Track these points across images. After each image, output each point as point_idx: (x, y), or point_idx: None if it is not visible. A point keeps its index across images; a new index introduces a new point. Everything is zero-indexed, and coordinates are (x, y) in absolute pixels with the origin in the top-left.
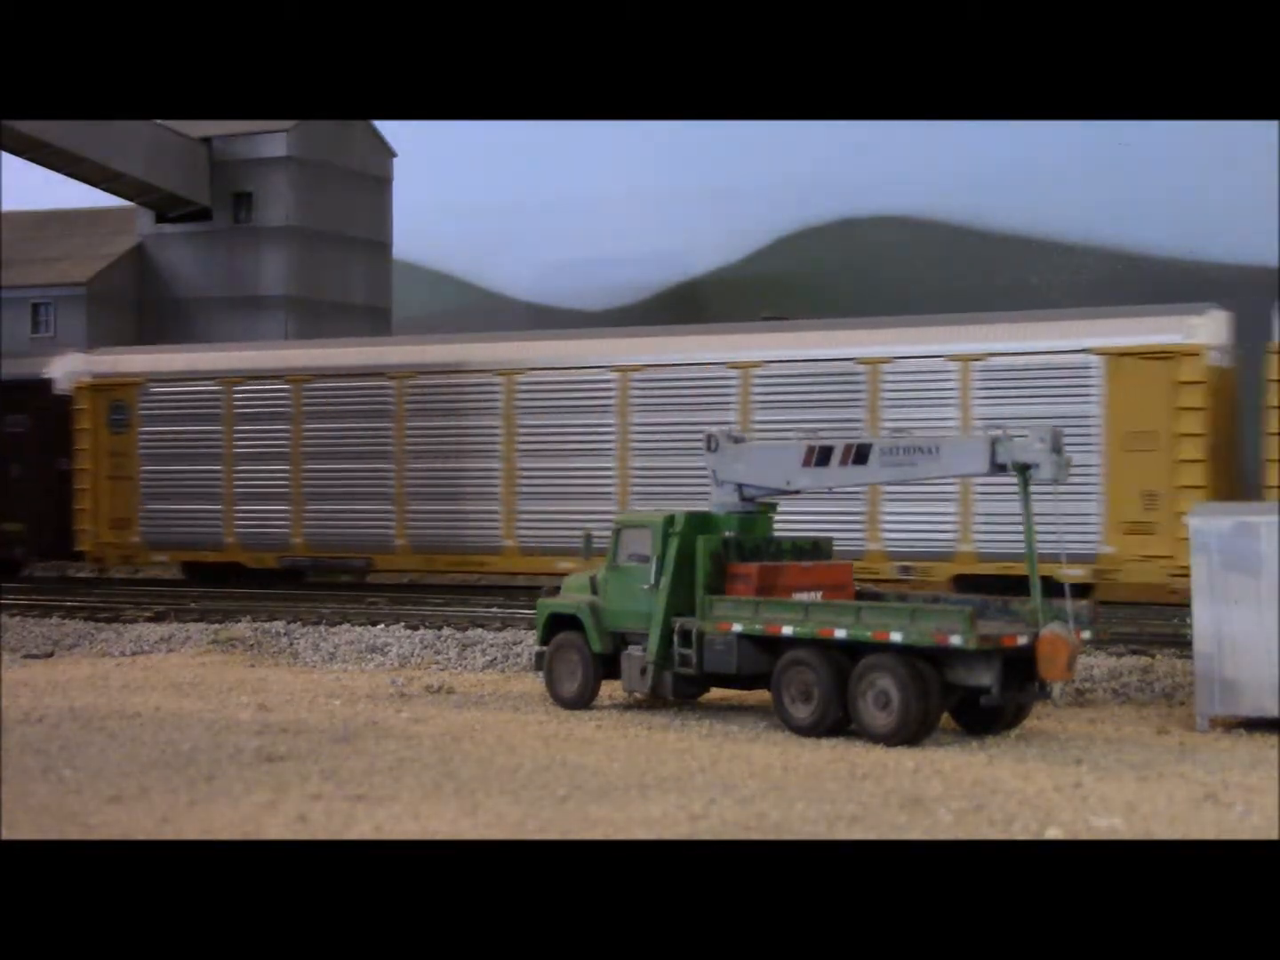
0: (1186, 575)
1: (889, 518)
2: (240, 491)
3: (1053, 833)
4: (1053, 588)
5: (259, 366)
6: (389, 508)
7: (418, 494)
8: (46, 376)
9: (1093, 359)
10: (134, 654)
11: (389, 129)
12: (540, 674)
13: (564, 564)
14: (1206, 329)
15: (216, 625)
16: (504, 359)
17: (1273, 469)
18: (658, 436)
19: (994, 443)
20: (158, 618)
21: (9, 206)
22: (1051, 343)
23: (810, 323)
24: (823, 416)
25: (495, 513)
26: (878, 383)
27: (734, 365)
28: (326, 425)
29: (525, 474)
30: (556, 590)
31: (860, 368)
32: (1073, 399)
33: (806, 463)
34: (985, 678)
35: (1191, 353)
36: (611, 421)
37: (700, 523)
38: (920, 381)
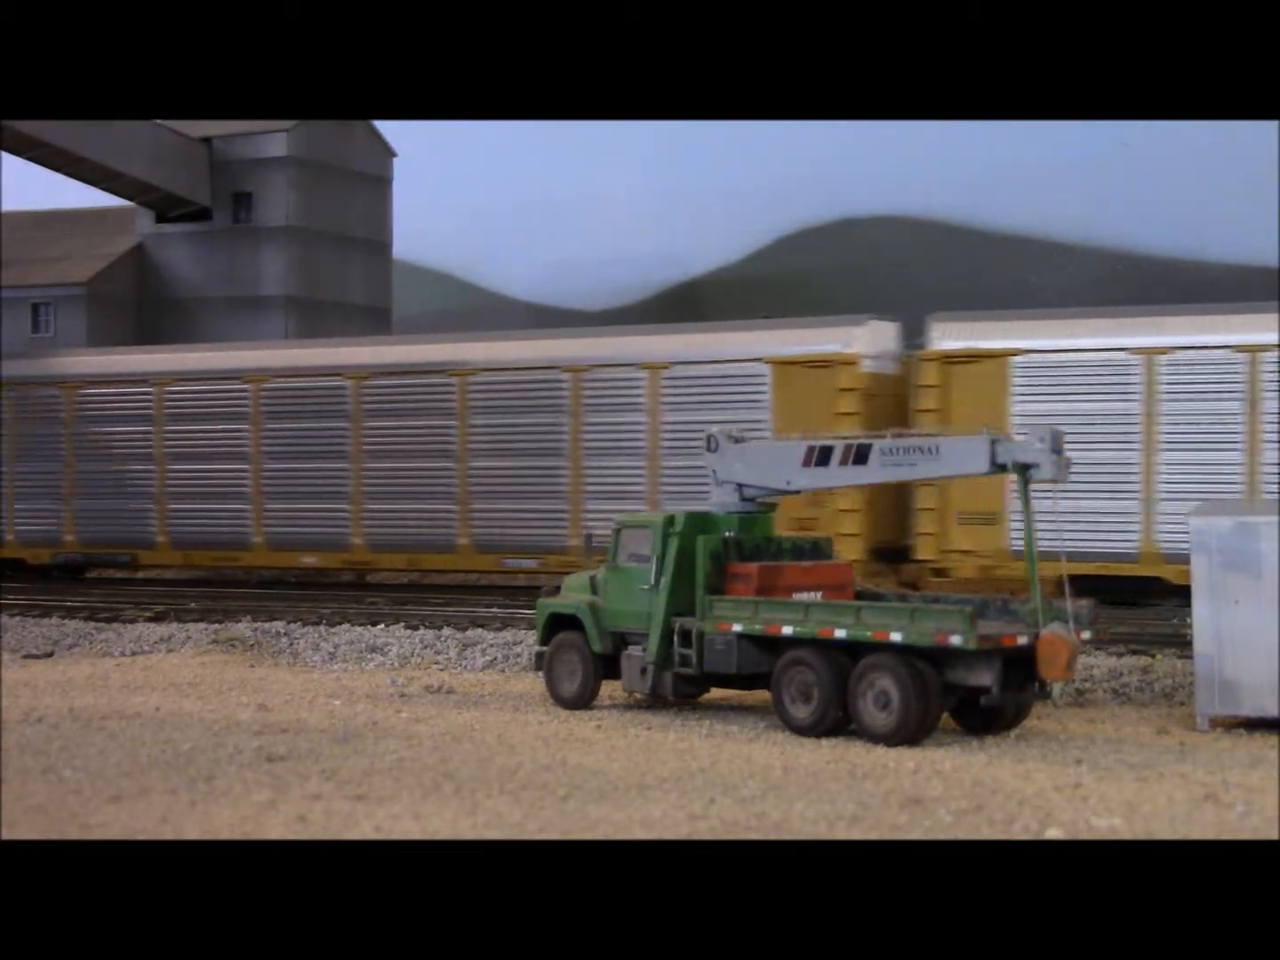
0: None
1: None
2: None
3: (1053, 833)
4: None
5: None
6: (151, 506)
7: (179, 494)
8: None
9: (763, 368)
10: (134, 654)
11: (389, 129)
12: (540, 674)
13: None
14: (864, 339)
15: (216, 625)
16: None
17: None
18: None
19: (994, 443)
20: (158, 618)
21: (9, 206)
22: (730, 351)
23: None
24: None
25: (247, 511)
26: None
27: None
28: (95, 428)
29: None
30: (556, 590)
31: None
32: (749, 405)
33: (807, 463)
34: (985, 678)
35: (848, 361)
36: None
37: (700, 523)
38: (615, 389)
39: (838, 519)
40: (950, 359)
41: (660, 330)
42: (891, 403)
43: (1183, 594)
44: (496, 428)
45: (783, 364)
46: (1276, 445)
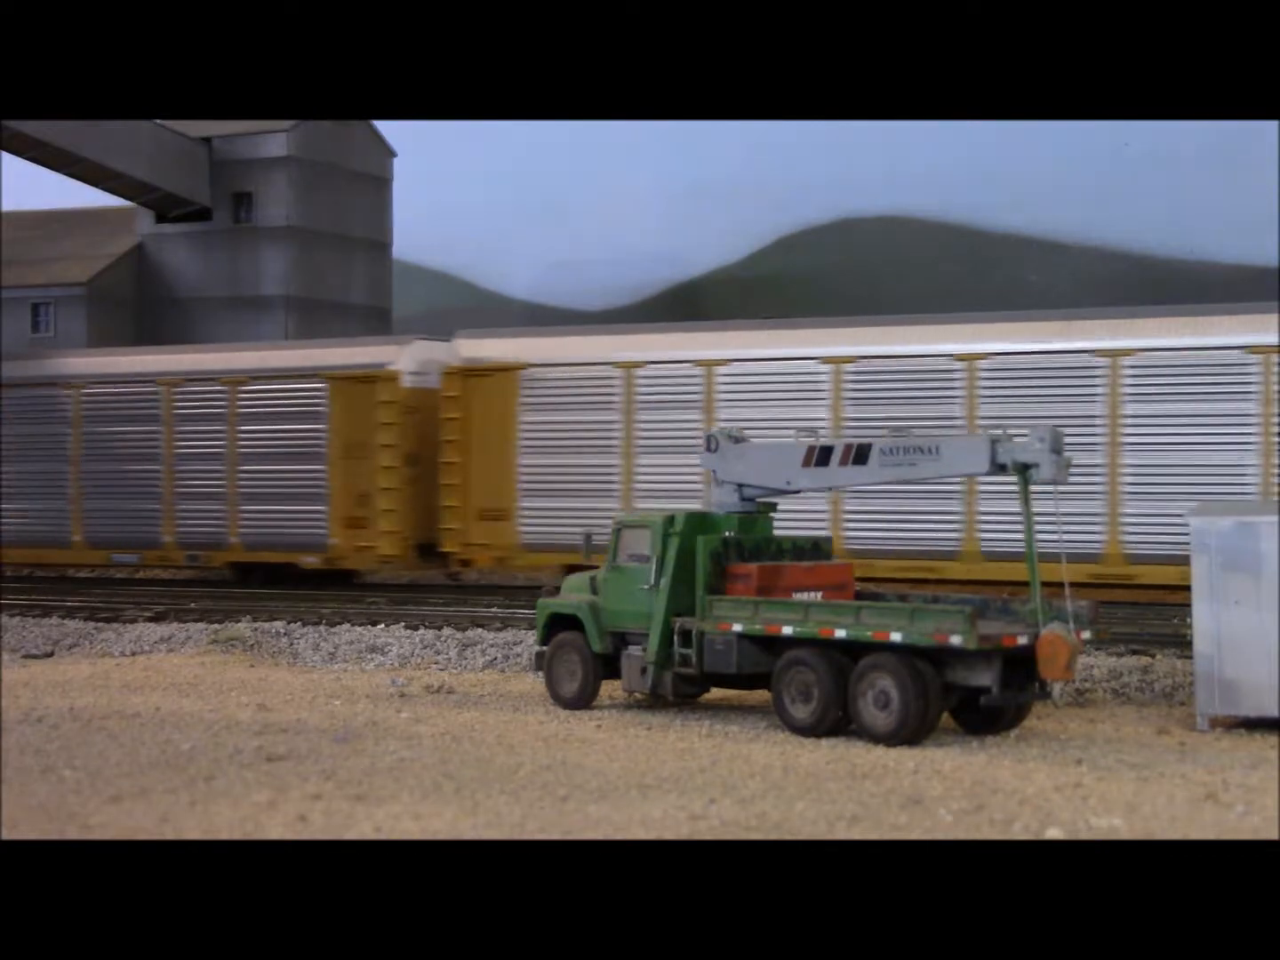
0: (393, 561)
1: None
2: None
3: (1053, 833)
4: None
5: None
6: None
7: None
8: None
9: (321, 382)
10: (134, 654)
11: (389, 129)
12: (540, 674)
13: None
14: (408, 356)
15: (216, 625)
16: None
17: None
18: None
19: (994, 443)
20: (158, 618)
21: (9, 206)
22: (292, 367)
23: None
24: None
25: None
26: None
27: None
28: None
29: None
30: (556, 590)
31: None
32: (311, 417)
33: (807, 463)
34: (985, 678)
35: (389, 377)
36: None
37: (700, 523)
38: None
39: (381, 518)
40: (469, 372)
41: (238, 348)
42: (434, 415)
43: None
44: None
45: (338, 379)
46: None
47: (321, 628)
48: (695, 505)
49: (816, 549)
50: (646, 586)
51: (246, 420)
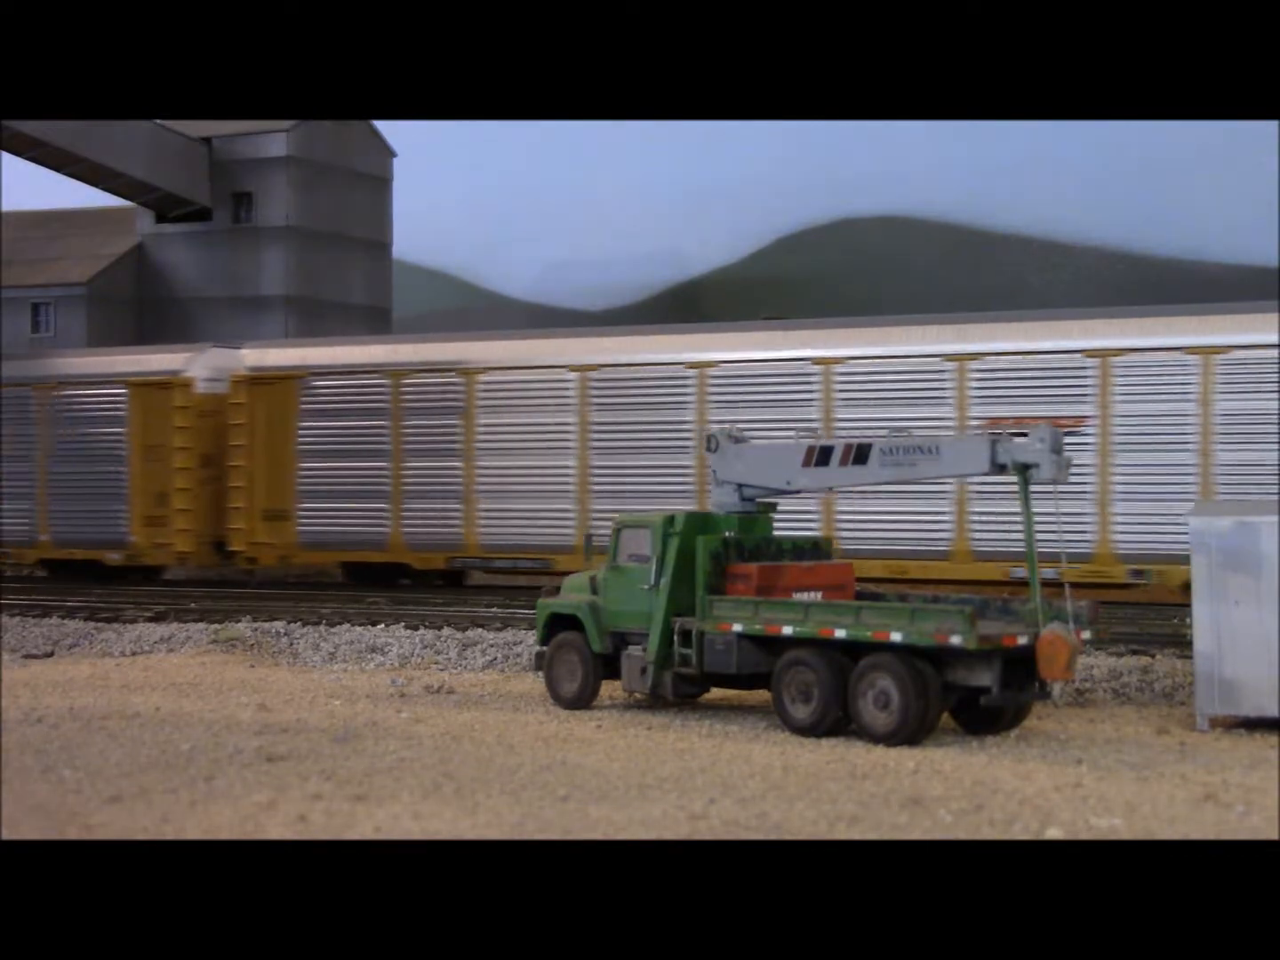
0: (188, 558)
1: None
2: None
3: (1053, 833)
4: None
5: None
6: None
7: None
8: None
9: (121, 389)
10: (134, 654)
11: (389, 129)
12: (540, 674)
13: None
14: (201, 363)
15: (216, 625)
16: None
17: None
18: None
19: (994, 443)
20: (158, 618)
21: (9, 206)
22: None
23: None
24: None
25: None
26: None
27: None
28: None
29: None
30: (556, 590)
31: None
32: (114, 421)
33: (806, 463)
34: (985, 678)
35: (184, 384)
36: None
37: (700, 523)
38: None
39: (177, 517)
40: (254, 380)
41: (48, 354)
42: (226, 420)
43: None
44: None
45: (137, 385)
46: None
47: (321, 628)
48: (456, 505)
49: (816, 549)
50: (647, 586)
51: (56, 424)
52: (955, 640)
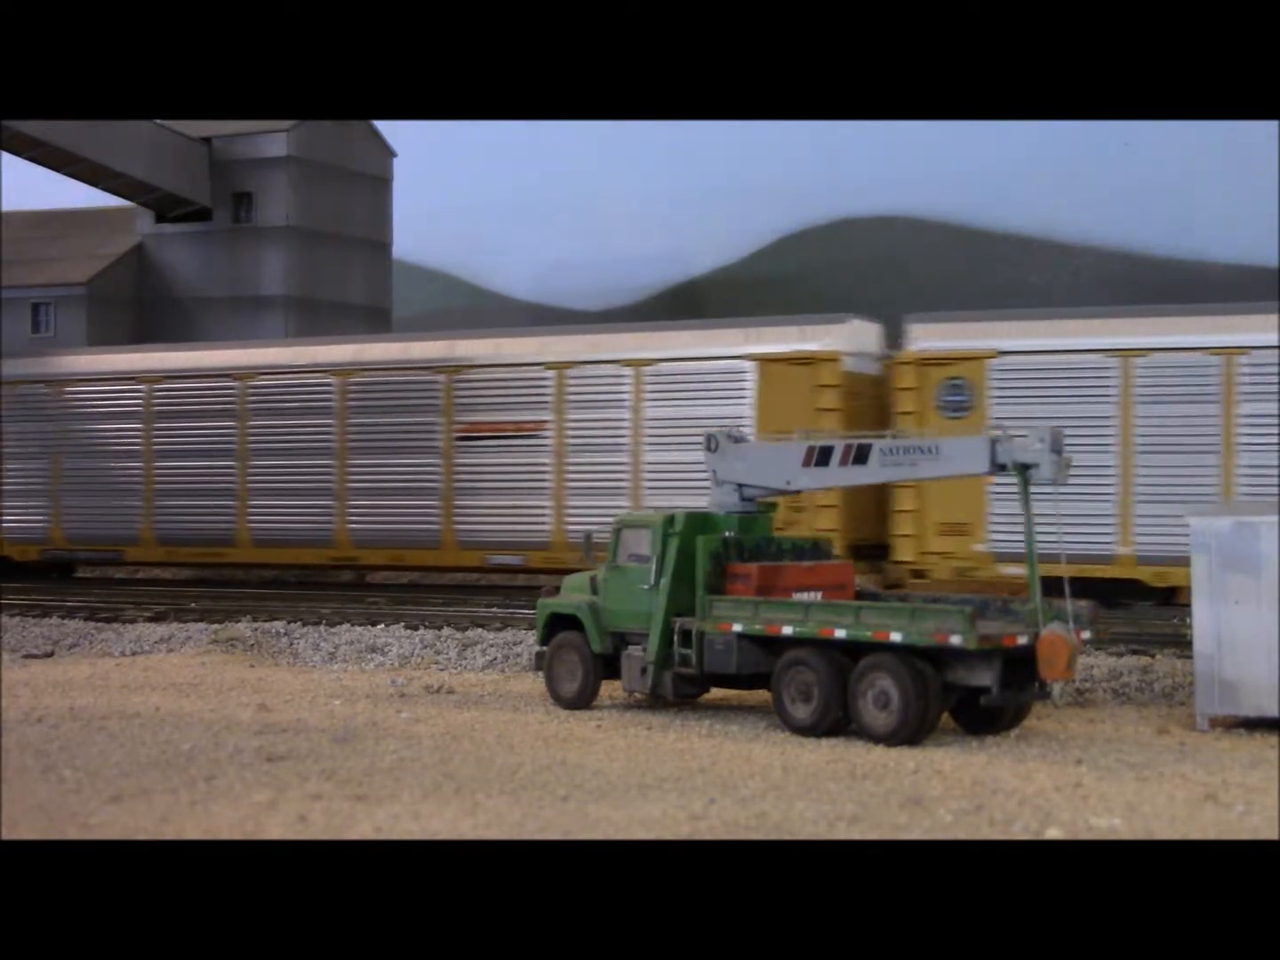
0: None
1: None
2: None
3: (1053, 833)
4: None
5: None
6: None
7: None
8: None
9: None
10: (134, 654)
11: (389, 129)
12: (540, 674)
13: None
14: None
15: (216, 625)
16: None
17: None
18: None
19: (994, 443)
20: (158, 618)
21: (9, 206)
22: None
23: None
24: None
25: None
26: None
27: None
28: None
29: None
30: (556, 590)
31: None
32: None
33: (807, 462)
34: (985, 678)
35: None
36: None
37: (700, 523)
38: None
39: None
40: None
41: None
42: None
43: None
44: None
45: None
46: None
47: (321, 628)
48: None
49: (816, 549)
50: (646, 586)
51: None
52: (955, 640)
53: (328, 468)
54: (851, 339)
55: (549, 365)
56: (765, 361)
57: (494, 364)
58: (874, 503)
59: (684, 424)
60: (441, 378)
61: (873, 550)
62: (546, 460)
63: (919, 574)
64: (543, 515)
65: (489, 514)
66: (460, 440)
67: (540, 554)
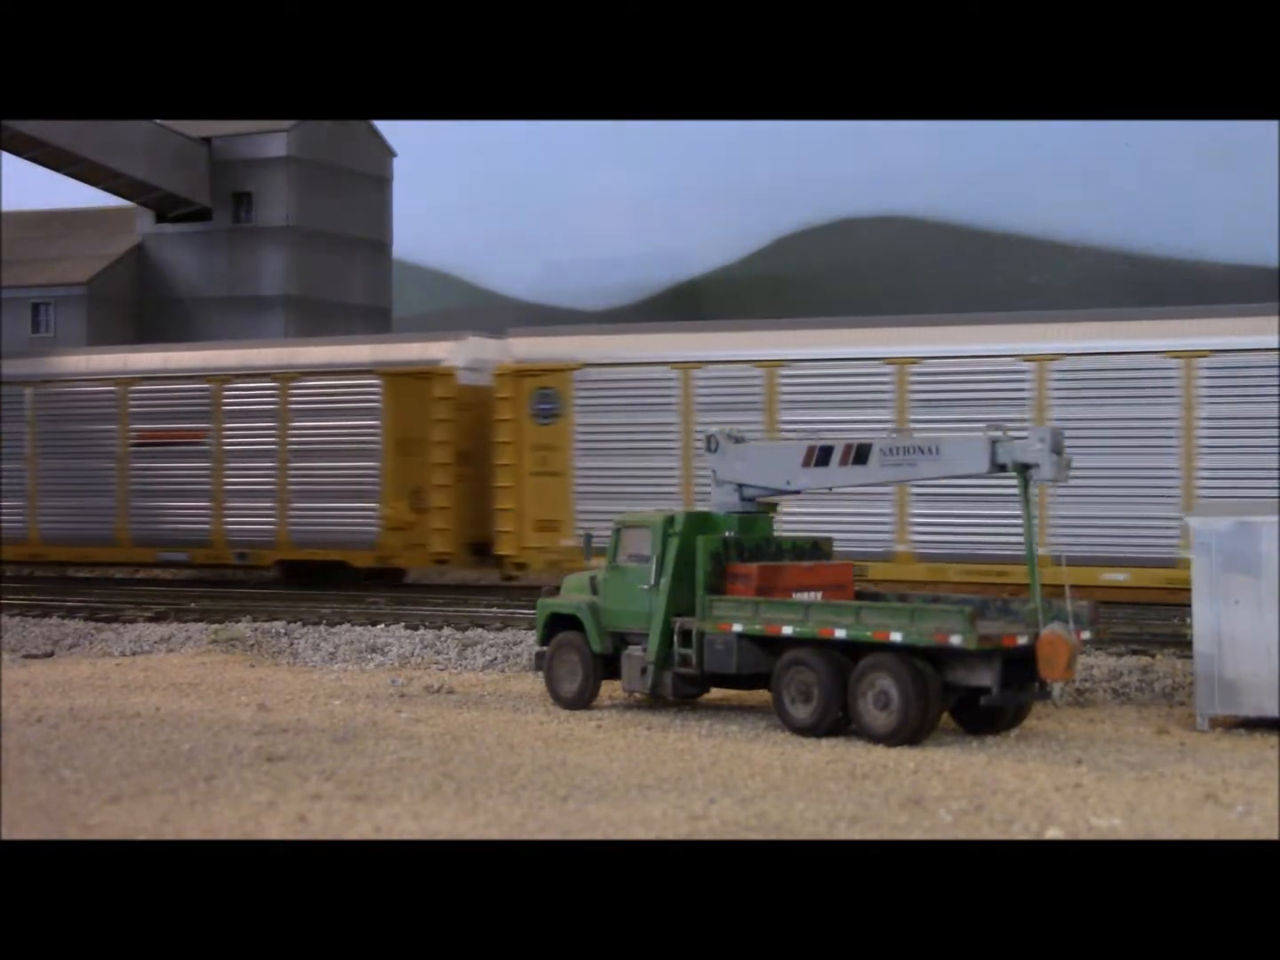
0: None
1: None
2: None
3: (1053, 833)
4: None
5: None
6: None
7: None
8: None
9: None
10: (134, 654)
11: (389, 129)
12: (540, 674)
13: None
14: None
15: (216, 625)
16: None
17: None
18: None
19: (994, 443)
20: (158, 618)
21: (9, 206)
22: None
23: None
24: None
25: None
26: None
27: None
28: None
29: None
30: (556, 590)
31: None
32: None
33: (806, 463)
34: (985, 678)
35: None
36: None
37: (700, 523)
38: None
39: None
40: None
41: None
42: None
43: None
44: None
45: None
46: None
47: (321, 628)
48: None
49: (816, 549)
50: (646, 586)
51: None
52: (955, 640)
53: (19, 471)
54: (469, 353)
55: (209, 378)
56: (391, 375)
57: (165, 376)
58: (485, 503)
59: (326, 434)
60: (117, 389)
61: (484, 547)
62: (207, 465)
63: (520, 565)
64: (204, 516)
65: (159, 514)
66: (135, 446)
67: (203, 551)
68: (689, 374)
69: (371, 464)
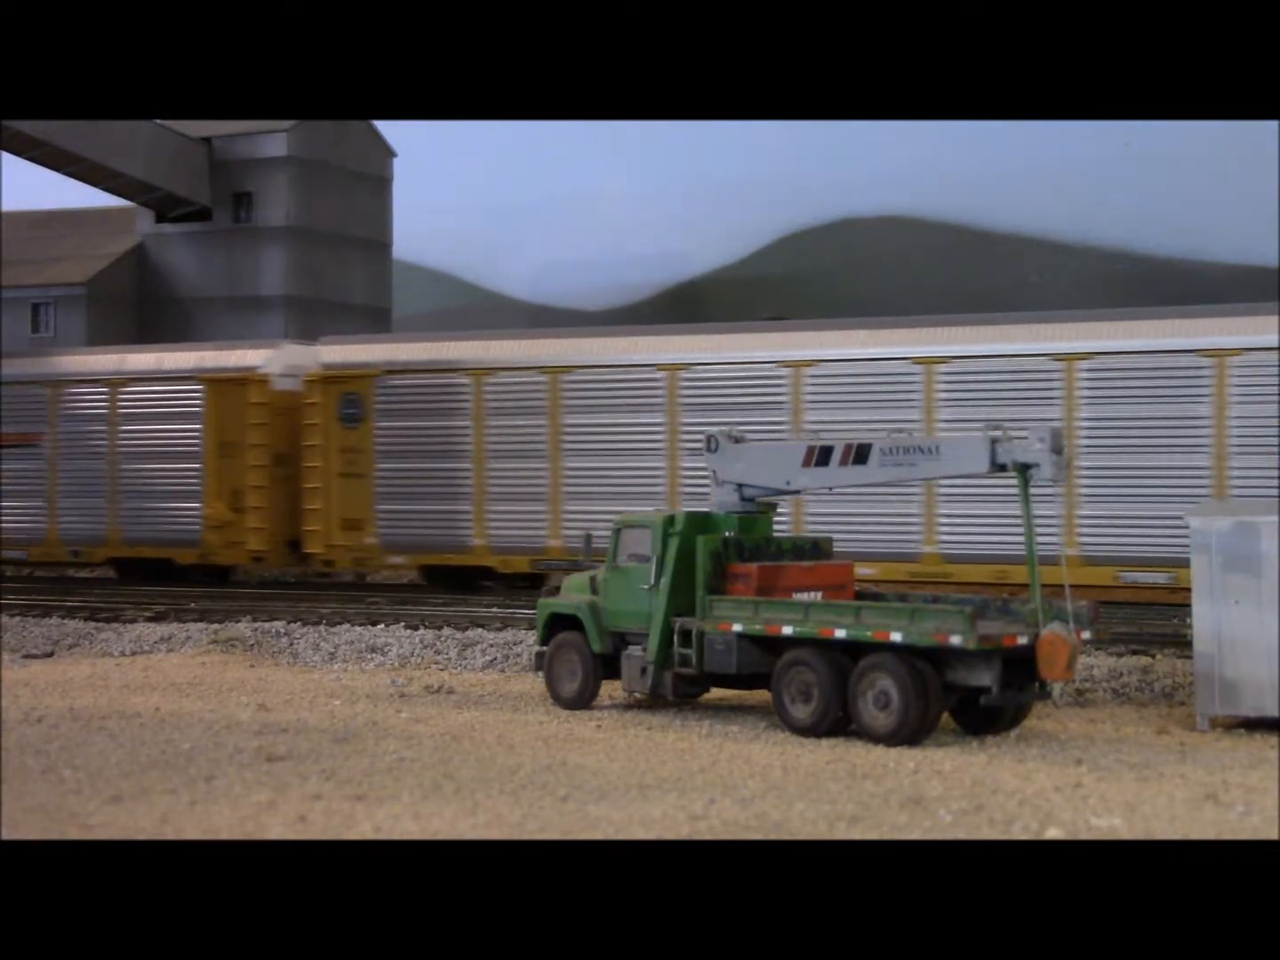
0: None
1: None
2: None
3: (1053, 833)
4: None
5: None
6: None
7: None
8: None
9: None
10: (134, 654)
11: (389, 129)
12: (540, 674)
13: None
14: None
15: (216, 625)
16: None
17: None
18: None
19: (994, 443)
20: (158, 618)
21: (9, 206)
22: None
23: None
24: None
25: None
26: None
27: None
28: None
29: None
30: (556, 590)
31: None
32: None
33: (806, 463)
34: (985, 678)
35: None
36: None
37: (700, 523)
38: None
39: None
40: None
41: None
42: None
43: None
44: None
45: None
46: None
47: (321, 628)
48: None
49: (816, 549)
50: (646, 586)
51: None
52: (955, 640)
53: None
54: (285, 360)
55: (45, 383)
56: (211, 382)
57: (6, 381)
58: (300, 503)
59: (153, 437)
60: None
61: (299, 544)
62: (42, 467)
63: (328, 563)
64: (39, 516)
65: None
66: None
67: (39, 549)
68: (480, 380)
69: (194, 466)
